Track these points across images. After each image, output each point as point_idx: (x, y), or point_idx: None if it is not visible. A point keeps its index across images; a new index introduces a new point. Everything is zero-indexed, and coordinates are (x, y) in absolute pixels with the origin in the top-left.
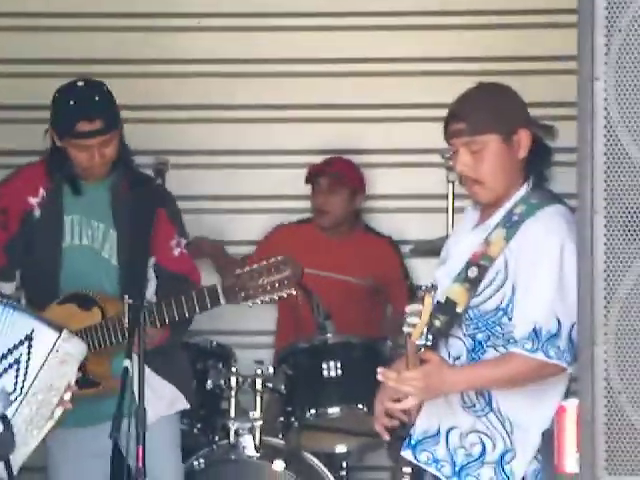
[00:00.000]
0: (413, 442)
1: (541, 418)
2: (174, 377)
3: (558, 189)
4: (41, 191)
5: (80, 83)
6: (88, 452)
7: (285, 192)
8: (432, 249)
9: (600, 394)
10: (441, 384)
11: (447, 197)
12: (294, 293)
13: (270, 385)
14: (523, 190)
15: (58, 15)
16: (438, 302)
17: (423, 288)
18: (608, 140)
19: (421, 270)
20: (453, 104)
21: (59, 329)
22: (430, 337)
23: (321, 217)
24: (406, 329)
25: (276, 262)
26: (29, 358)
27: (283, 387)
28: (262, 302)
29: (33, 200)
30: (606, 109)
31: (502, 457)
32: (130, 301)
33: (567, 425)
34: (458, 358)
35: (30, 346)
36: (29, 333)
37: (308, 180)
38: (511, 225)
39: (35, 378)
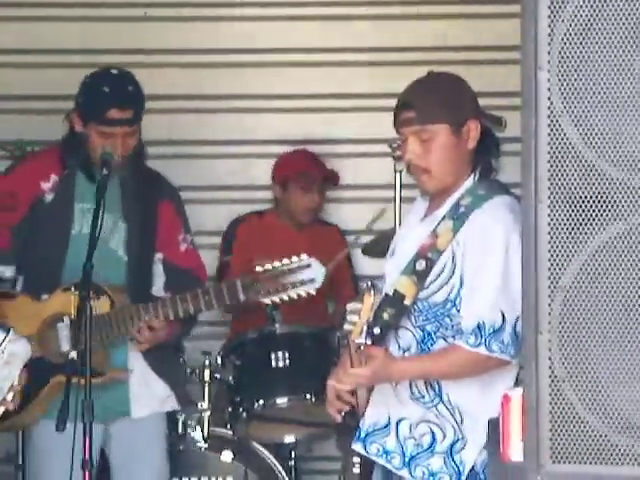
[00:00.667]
0: (362, 434)
1: (491, 407)
2: (168, 376)
3: (505, 179)
4: (53, 177)
5: (114, 71)
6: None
7: (237, 182)
8: (380, 241)
9: (544, 382)
10: (387, 377)
11: (394, 187)
12: (314, 294)
13: (218, 376)
14: (470, 181)
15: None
16: (386, 294)
17: (363, 287)
18: (552, 130)
19: (367, 261)
20: (404, 93)
21: (7, 330)
22: (377, 331)
23: (305, 214)
24: (347, 327)
25: (299, 262)
26: None
27: (231, 378)
28: (281, 301)
29: (45, 185)
30: (549, 99)
31: (452, 447)
32: (76, 293)
33: (512, 414)
34: (408, 350)
35: None
36: None
37: (283, 178)
38: (458, 217)
39: None
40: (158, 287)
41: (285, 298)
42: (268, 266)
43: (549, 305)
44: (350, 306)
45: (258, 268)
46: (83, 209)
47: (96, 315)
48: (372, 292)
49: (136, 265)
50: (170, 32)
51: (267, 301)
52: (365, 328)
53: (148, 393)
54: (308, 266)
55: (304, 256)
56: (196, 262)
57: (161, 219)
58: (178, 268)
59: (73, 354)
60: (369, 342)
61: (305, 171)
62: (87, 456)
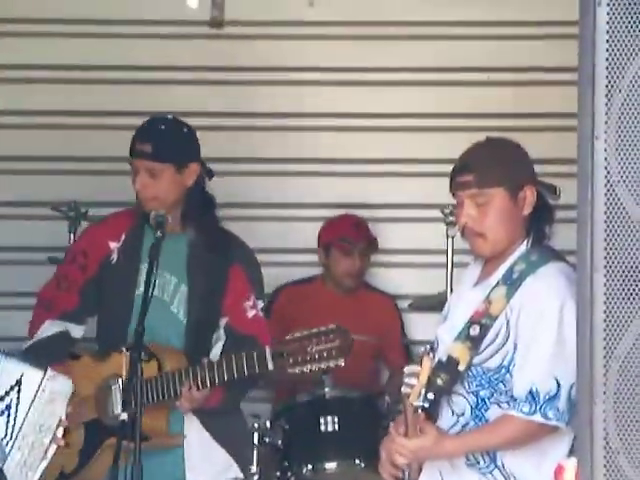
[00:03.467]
0: None
1: (545, 475)
2: (230, 444)
3: (557, 245)
4: (123, 237)
5: (169, 116)
6: None
7: (283, 245)
8: (431, 304)
9: (599, 453)
10: (435, 456)
11: (446, 252)
12: (342, 365)
13: (267, 439)
14: (523, 247)
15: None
16: (440, 360)
17: (422, 350)
18: (608, 199)
19: (419, 325)
20: (462, 156)
21: (44, 369)
22: (431, 397)
23: (349, 279)
24: (404, 390)
25: (326, 331)
26: (18, 402)
27: (280, 441)
28: (310, 371)
29: (113, 245)
30: (606, 168)
31: None
32: (127, 353)
33: None
34: (462, 415)
35: (19, 390)
36: (19, 378)
37: (326, 243)
38: (512, 283)
39: (24, 421)
40: (215, 351)
41: (314, 369)
42: (297, 334)
43: (604, 375)
44: (408, 369)
45: (287, 337)
46: (148, 270)
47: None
48: (431, 355)
49: (194, 329)
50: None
51: (295, 372)
52: (423, 391)
53: (205, 461)
54: (335, 335)
55: (332, 325)
56: (261, 329)
57: (229, 284)
58: (240, 334)
59: (124, 416)
60: (426, 405)
61: (346, 236)
62: None
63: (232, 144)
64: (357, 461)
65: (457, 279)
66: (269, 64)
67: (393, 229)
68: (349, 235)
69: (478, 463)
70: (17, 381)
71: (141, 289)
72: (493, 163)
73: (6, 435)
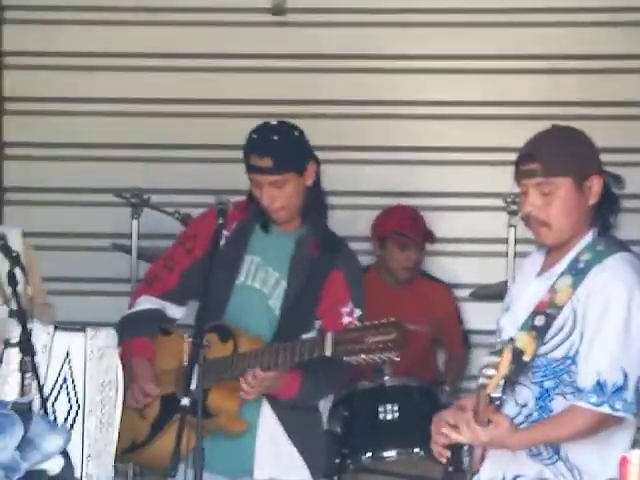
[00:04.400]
0: None
1: (609, 467)
2: (303, 443)
3: (623, 236)
4: (234, 226)
5: (273, 122)
6: None
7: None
8: (491, 294)
9: None
10: (504, 446)
11: (507, 241)
12: (397, 359)
13: (327, 426)
14: (589, 237)
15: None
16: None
17: (502, 341)
18: None
19: (480, 315)
20: (528, 144)
21: (83, 330)
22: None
23: (404, 272)
24: (481, 380)
25: (383, 324)
26: (72, 371)
27: (339, 429)
28: (365, 362)
29: (224, 233)
30: None
31: None
32: (190, 339)
33: (631, 476)
34: (525, 405)
35: (70, 360)
36: (67, 349)
37: (381, 235)
38: (577, 273)
39: (85, 386)
40: None
41: (368, 360)
42: (354, 325)
43: None
44: (487, 360)
45: (344, 326)
46: (253, 261)
47: (216, 358)
48: (511, 347)
49: (286, 324)
50: (328, 84)
51: (351, 361)
52: (502, 383)
53: (273, 455)
54: (392, 328)
55: (390, 318)
56: None
57: (327, 287)
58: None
59: (185, 402)
60: (503, 396)
61: (401, 231)
62: None
63: None
64: (416, 450)
65: (518, 269)
66: (331, 51)
67: (454, 217)
68: (406, 229)
69: (541, 454)
70: (67, 352)
71: (242, 279)
72: (560, 152)
73: (72, 406)
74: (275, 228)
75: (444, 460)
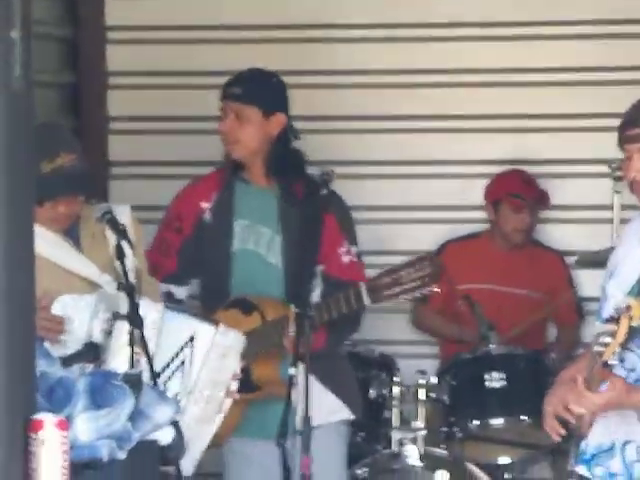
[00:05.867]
0: (587, 457)
1: None
2: (337, 386)
3: None
4: (214, 196)
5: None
6: (260, 465)
7: (454, 203)
8: (597, 260)
9: None
10: (619, 407)
11: (612, 208)
12: (437, 290)
13: (433, 395)
14: None
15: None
16: (611, 316)
17: (617, 308)
18: None
19: (585, 281)
20: (631, 109)
21: (215, 324)
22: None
23: (518, 235)
24: (597, 348)
25: (415, 261)
26: (192, 358)
27: (446, 397)
28: (406, 300)
29: (205, 205)
30: None
31: None
32: (296, 310)
33: None
34: (633, 370)
35: (193, 346)
36: (192, 334)
37: (494, 199)
38: None
39: (199, 376)
40: (314, 298)
41: (408, 298)
42: (387, 268)
43: None
44: (604, 327)
45: (379, 272)
46: (242, 225)
47: (248, 331)
48: (629, 314)
49: (293, 276)
50: (359, 53)
51: (391, 303)
52: (618, 350)
53: (314, 406)
54: (426, 262)
55: (421, 254)
56: (357, 273)
57: (324, 232)
58: (337, 280)
59: (292, 371)
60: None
61: (516, 192)
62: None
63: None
64: (523, 417)
65: (621, 233)
66: (417, 20)
67: (559, 185)
68: (520, 190)
69: None
70: (190, 337)
71: (236, 245)
72: None
73: (181, 390)
74: (254, 187)
75: (559, 438)
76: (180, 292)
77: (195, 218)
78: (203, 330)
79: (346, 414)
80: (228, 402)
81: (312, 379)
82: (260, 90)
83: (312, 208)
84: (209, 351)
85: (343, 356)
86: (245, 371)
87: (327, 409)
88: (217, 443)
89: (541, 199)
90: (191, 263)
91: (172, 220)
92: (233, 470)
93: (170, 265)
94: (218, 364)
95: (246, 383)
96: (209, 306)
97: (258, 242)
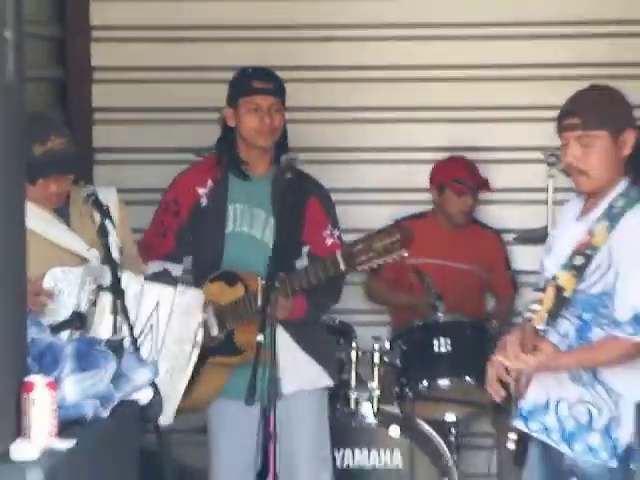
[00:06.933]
0: (524, 413)
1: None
2: (318, 355)
3: None
4: (209, 182)
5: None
6: (240, 426)
7: (403, 186)
8: (533, 237)
9: None
10: (550, 369)
11: (547, 190)
12: (406, 254)
13: (387, 359)
14: (623, 185)
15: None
16: (542, 286)
17: (546, 279)
18: None
19: (523, 257)
20: (569, 101)
21: (174, 285)
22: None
23: (461, 216)
24: (527, 315)
25: (385, 229)
26: (158, 319)
27: (398, 361)
28: (378, 265)
29: (201, 190)
30: None
31: (609, 424)
32: (263, 282)
33: None
34: (566, 336)
35: (158, 310)
36: (157, 299)
37: (439, 183)
38: (612, 217)
39: (165, 335)
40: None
41: (381, 262)
42: (361, 237)
43: None
44: (533, 296)
45: (353, 240)
46: (236, 209)
47: (232, 301)
48: (554, 284)
49: (277, 253)
50: (337, 49)
51: (365, 268)
52: (546, 316)
53: (296, 370)
54: (396, 230)
55: (391, 223)
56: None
57: (308, 214)
58: (320, 258)
59: (260, 337)
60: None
61: (459, 178)
62: (272, 429)
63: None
64: (467, 378)
65: (559, 214)
66: (380, 21)
67: (499, 170)
68: (463, 176)
69: (582, 378)
70: (157, 302)
71: (230, 227)
72: (598, 108)
73: (152, 350)
74: (251, 175)
75: (500, 399)
76: (177, 269)
77: (192, 202)
78: (165, 293)
79: (328, 381)
80: (196, 352)
81: (294, 346)
82: (283, 90)
83: (299, 191)
84: (171, 311)
85: (323, 327)
86: (229, 336)
87: (314, 376)
88: (202, 406)
89: (481, 184)
90: (187, 244)
91: (169, 204)
92: (216, 428)
93: (167, 246)
94: (180, 321)
95: (231, 347)
96: (200, 281)
97: (251, 224)
